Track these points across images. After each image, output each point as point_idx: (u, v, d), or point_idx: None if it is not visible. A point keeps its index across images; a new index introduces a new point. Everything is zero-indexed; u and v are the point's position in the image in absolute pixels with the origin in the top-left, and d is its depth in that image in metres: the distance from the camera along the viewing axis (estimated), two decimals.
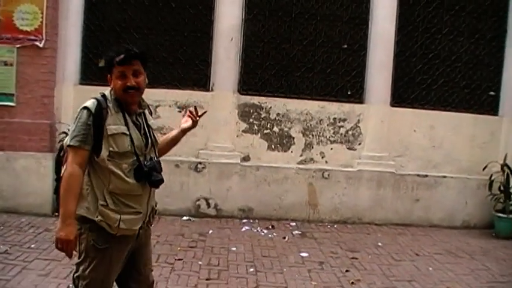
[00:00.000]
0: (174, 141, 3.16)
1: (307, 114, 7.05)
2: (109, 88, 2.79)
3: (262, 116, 7.00)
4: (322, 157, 7.11)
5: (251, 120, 6.95)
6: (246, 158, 6.96)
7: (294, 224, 6.94)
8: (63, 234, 2.62)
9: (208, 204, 6.80)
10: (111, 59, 2.73)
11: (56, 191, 2.79)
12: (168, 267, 5.10)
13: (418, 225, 7.27)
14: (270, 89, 7.03)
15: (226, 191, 6.77)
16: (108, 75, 2.77)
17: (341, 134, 7.14)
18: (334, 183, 7.04)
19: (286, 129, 7.03)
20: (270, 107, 6.99)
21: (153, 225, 3.12)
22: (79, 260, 2.81)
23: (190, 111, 3.16)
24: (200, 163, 6.76)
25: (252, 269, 5.24)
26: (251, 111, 6.95)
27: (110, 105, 2.72)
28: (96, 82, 6.71)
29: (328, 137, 7.12)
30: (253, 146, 6.98)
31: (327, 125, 7.10)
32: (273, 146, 7.04)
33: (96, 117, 2.64)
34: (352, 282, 5.08)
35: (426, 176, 7.25)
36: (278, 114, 7.01)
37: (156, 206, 3.03)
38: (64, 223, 2.62)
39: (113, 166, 2.68)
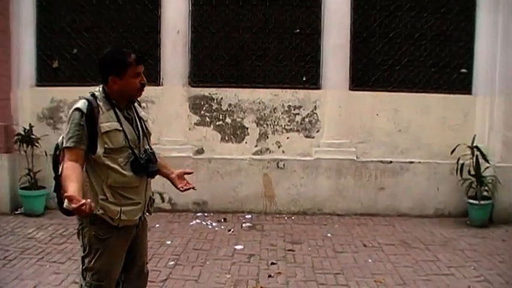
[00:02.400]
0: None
1: (260, 103, 6.88)
2: (96, 87, 2.90)
3: (214, 108, 6.90)
4: (279, 147, 6.92)
5: (203, 112, 6.87)
6: (199, 151, 6.90)
7: (249, 216, 6.79)
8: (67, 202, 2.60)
9: (163, 199, 6.80)
10: (123, 59, 2.82)
11: (56, 189, 2.91)
12: None
13: (385, 214, 6.90)
14: (221, 80, 6.92)
15: None
16: (112, 77, 2.82)
17: (297, 122, 6.91)
18: (290, 173, 6.83)
19: (239, 119, 6.90)
20: (221, 98, 6.89)
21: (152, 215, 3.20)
22: (84, 254, 2.94)
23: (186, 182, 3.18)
24: None
25: (172, 263, 5.17)
26: (202, 103, 6.88)
27: (101, 103, 2.81)
28: (51, 83, 6.98)
29: (283, 126, 6.91)
30: (207, 139, 6.90)
31: (282, 113, 6.90)
32: (226, 138, 6.93)
33: (88, 116, 2.74)
34: (270, 276, 4.90)
35: (390, 162, 6.87)
36: (230, 105, 6.89)
37: (152, 195, 3.15)
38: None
39: (109, 161, 2.79)
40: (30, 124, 6.67)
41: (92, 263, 2.91)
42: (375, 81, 6.94)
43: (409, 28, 6.91)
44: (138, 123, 2.97)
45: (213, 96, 6.88)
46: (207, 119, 6.89)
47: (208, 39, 6.89)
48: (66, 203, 2.75)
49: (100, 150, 2.77)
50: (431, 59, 6.95)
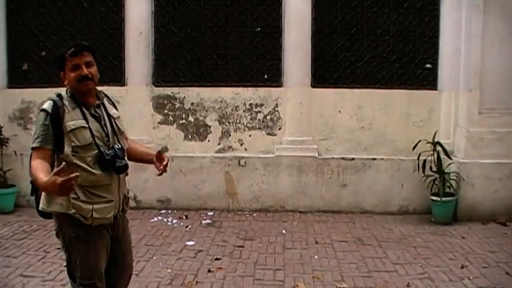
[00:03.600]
0: (142, 161, 3.26)
1: (221, 101, 6.95)
2: (64, 89, 2.96)
3: (177, 107, 7.00)
4: (241, 144, 6.97)
5: (166, 111, 6.97)
6: (163, 150, 6.99)
7: (211, 213, 6.86)
8: (53, 186, 2.52)
9: None
10: (62, 53, 2.88)
11: (32, 192, 2.99)
12: (41, 255, 5.36)
13: (348, 211, 6.87)
14: (184, 79, 7.01)
15: (143, 183, 6.85)
16: (62, 73, 2.91)
17: (259, 120, 6.95)
18: (251, 171, 6.87)
19: (201, 118, 6.97)
20: (184, 97, 6.97)
21: (127, 213, 3.22)
22: (67, 255, 3.00)
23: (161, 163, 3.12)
24: None
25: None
26: (165, 102, 6.98)
27: (66, 102, 2.86)
28: (22, 85, 7.19)
29: (245, 124, 6.96)
30: (170, 137, 7.00)
31: (243, 111, 6.94)
32: (189, 136, 7.01)
33: (53, 116, 2.79)
34: (209, 270, 4.97)
35: (353, 159, 6.84)
36: (192, 104, 6.98)
37: (128, 193, 3.18)
38: (45, 185, 2.59)
39: (77, 160, 2.82)
40: None
41: (78, 262, 2.94)
42: (337, 78, 6.92)
43: (371, 24, 6.87)
44: (107, 121, 2.98)
45: (176, 95, 6.98)
46: (171, 118, 6.99)
47: (171, 39, 6.98)
48: (42, 205, 2.89)
49: (68, 149, 2.80)
50: (395, 54, 6.89)
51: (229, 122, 6.96)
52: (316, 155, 6.84)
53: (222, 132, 6.98)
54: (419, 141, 6.52)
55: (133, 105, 6.91)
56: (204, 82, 6.98)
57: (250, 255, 5.41)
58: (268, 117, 6.94)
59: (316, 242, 5.83)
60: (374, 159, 6.83)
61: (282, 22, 6.87)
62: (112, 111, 3.08)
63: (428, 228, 6.38)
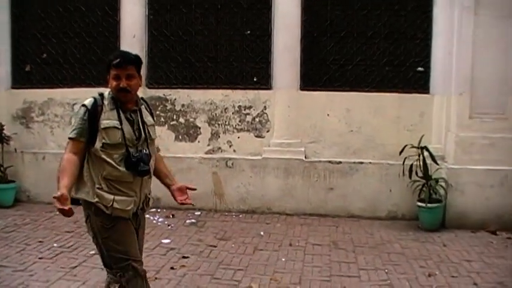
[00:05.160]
0: (159, 178, 3.48)
1: (211, 103, 7.05)
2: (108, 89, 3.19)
3: (168, 108, 7.15)
4: (230, 146, 7.04)
5: (158, 112, 7.11)
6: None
7: (198, 213, 6.97)
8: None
9: None
10: (109, 62, 3.15)
11: None
12: (21, 247, 5.60)
13: (335, 215, 6.82)
14: (175, 81, 7.16)
15: None
16: (107, 76, 3.17)
17: (247, 122, 7.00)
18: (238, 172, 6.93)
19: (191, 119, 7.10)
20: (175, 99, 7.12)
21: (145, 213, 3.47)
22: (98, 246, 3.22)
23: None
24: None
25: (92, 252, 5.39)
26: (157, 103, 7.14)
27: (106, 102, 3.12)
28: (26, 86, 7.53)
29: (234, 126, 7.03)
30: (161, 138, 7.10)
31: (232, 113, 7.02)
32: (180, 137, 7.15)
33: (91, 113, 3.06)
34: (172, 268, 5.07)
35: (340, 162, 6.78)
36: (183, 105, 7.11)
37: (149, 194, 3.36)
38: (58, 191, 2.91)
39: (105, 156, 3.07)
40: (1, 123, 7.23)
41: (109, 249, 3.15)
42: (326, 81, 6.89)
43: (361, 26, 6.80)
44: (141, 126, 3.20)
45: (167, 97, 7.14)
46: (162, 119, 7.14)
47: (164, 42, 7.14)
48: (72, 192, 3.07)
49: (98, 144, 3.05)
50: (386, 57, 6.80)
51: (218, 124, 7.05)
52: (303, 158, 6.83)
53: (211, 133, 7.08)
54: (406, 145, 6.39)
55: None
56: (194, 84, 7.11)
57: (218, 255, 5.47)
58: (257, 120, 6.99)
59: (290, 245, 5.82)
60: (361, 163, 6.75)
61: (271, 25, 6.91)
62: (147, 118, 3.29)
63: (413, 234, 6.25)
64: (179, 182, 3.50)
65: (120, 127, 3.08)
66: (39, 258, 5.30)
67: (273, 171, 6.86)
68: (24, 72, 7.51)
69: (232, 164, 6.94)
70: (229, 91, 7.00)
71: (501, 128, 6.36)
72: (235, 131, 7.03)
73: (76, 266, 5.07)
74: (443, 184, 6.42)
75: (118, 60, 3.10)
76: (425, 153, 6.37)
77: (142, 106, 3.29)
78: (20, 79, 7.55)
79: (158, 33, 7.16)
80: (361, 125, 6.82)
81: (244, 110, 7.00)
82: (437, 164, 6.37)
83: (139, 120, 3.21)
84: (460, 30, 6.39)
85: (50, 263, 5.18)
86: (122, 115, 3.12)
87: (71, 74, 7.33)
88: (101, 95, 3.16)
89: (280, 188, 6.87)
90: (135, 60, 3.19)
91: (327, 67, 6.88)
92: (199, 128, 7.10)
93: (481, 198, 6.35)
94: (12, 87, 7.56)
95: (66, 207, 2.83)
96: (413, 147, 6.34)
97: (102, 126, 3.05)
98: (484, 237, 6.16)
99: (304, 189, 6.83)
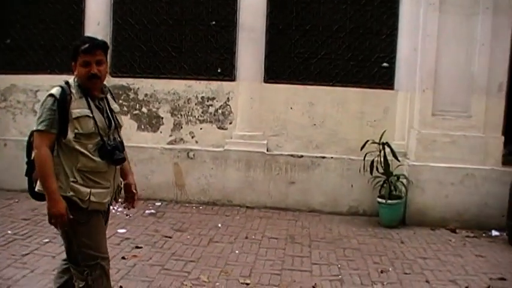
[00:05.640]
0: None
1: (174, 94, 6.98)
2: (72, 76, 3.09)
3: (131, 97, 7.07)
4: (192, 137, 6.98)
5: (121, 101, 7.01)
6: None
7: (159, 204, 6.90)
8: (55, 210, 2.92)
9: None
10: (76, 47, 3.02)
11: (28, 172, 3.14)
12: None
13: (296, 209, 6.78)
14: (139, 71, 7.07)
15: None
16: (73, 63, 3.04)
17: (210, 113, 6.94)
18: (199, 164, 6.87)
19: (154, 109, 7.02)
20: (138, 88, 7.04)
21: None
22: (67, 240, 3.10)
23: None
24: None
25: (46, 240, 5.36)
26: (120, 92, 7.04)
27: (74, 91, 2.99)
28: None
29: (197, 117, 6.96)
30: (124, 127, 6.97)
31: (195, 104, 6.96)
32: (142, 127, 7.07)
33: (61, 102, 2.92)
34: (123, 257, 5.00)
35: (301, 156, 6.74)
36: (146, 95, 7.03)
37: (121, 184, 3.32)
38: (53, 200, 2.92)
39: (79, 146, 2.96)
40: None
41: (80, 245, 3.04)
42: (290, 74, 6.84)
43: (327, 20, 6.76)
44: (109, 114, 3.13)
45: (131, 86, 7.06)
46: (125, 108, 7.05)
47: (128, 31, 7.06)
48: (38, 186, 3.01)
49: (70, 135, 2.94)
50: (350, 52, 6.76)
51: (181, 115, 6.99)
52: (265, 151, 6.78)
53: (174, 124, 7.01)
54: (367, 141, 6.36)
55: None
56: (158, 74, 7.03)
57: (172, 246, 5.41)
58: (220, 111, 6.93)
59: (246, 237, 5.77)
60: (324, 157, 6.71)
61: (236, 16, 6.85)
62: (113, 105, 3.22)
63: (372, 230, 6.23)
64: (131, 179, 3.41)
65: (91, 115, 2.98)
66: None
67: (235, 164, 6.81)
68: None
69: (193, 155, 6.88)
70: (192, 82, 6.93)
71: (463, 126, 6.35)
72: (197, 122, 6.97)
73: (27, 254, 4.99)
74: (404, 181, 6.39)
75: (87, 45, 2.98)
76: (387, 150, 6.32)
77: (108, 94, 3.22)
78: None
79: (123, 22, 7.07)
80: (324, 119, 6.78)
81: (207, 101, 6.93)
82: (398, 160, 6.35)
83: (107, 107, 3.13)
84: (425, 27, 6.36)
85: (2, 250, 5.08)
86: (91, 103, 3.02)
87: (35, 61, 7.22)
88: (67, 83, 3.03)
89: (241, 181, 6.82)
90: (103, 45, 3.09)
91: (291, 60, 6.83)
92: (162, 118, 7.03)
93: (441, 195, 6.35)
94: None
95: (61, 225, 2.90)
96: (374, 142, 6.29)
97: (73, 116, 2.93)
98: (443, 235, 6.16)
99: (265, 182, 6.78)
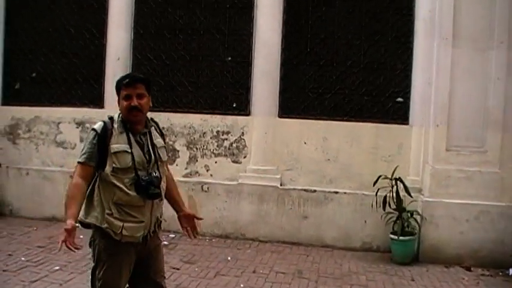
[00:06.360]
0: (169, 203, 3.53)
1: (190, 127, 7.11)
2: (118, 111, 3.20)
3: None
4: (207, 170, 7.07)
5: None
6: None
7: (173, 235, 6.96)
8: (65, 227, 2.96)
9: None
10: (118, 82, 3.18)
11: None
12: None
13: (309, 244, 6.75)
14: (157, 104, 7.17)
15: None
16: (118, 98, 3.17)
17: (225, 147, 7.03)
18: (213, 197, 6.94)
19: (170, 142, 7.13)
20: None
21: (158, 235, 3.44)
22: (94, 266, 3.21)
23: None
24: None
25: (56, 267, 5.51)
26: None
27: (115, 126, 3.11)
28: (14, 103, 7.71)
29: (212, 150, 7.06)
30: None
31: (211, 137, 7.07)
32: None
33: (101, 137, 3.07)
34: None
35: (314, 191, 6.74)
36: (163, 128, 6.90)
37: (160, 216, 3.34)
38: (66, 219, 2.97)
39: (115, 180, 3.05)
40: None
41: (100, 273, 3.13)
42: (304, 109, 6.90)
43: (341, 55, 6.82)
44: (150, 149, 3.18)
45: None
46: None
47: (147, 66, 7.26)
48: (80, 215, 3.09)
49: (108, 169, 3.04)
50: (365, 87, 6.78)
51: (196, 148, 7.10)
52: (278, 185, 6.81)
53: (189, 157, 7.12)
54: (380, 176, 6.32)
55: None
56: (175, 108, 7.19)
57: (178, 278, 5.47)
58: (234, 145, 7.01)
59: (254, 271, 5.78)
60: (337, 192, 6.69)
61: (252, 52, 6.98)
62: (157, 139, 3.28)
63: (383, 267, 6.14)
64: (187, 210, 3.55)
65: (130, 151, 3.05)
66: (3, 270, 5.40)
67: (248, 197, 6.85)
68: (13, 89, 7.69)
69: (208, 188, 6.96)
70: (208, 116, 7.06)
71: (478, 161, 6.25)
72: (212, 155, 7.07)
73: (36, 280, 5.15)
74: (417, 217, 6.31)
75: (128, 79, 3.13)
76: (400, 185, 6.27)
77: (152, 128, 3.29)
78: (10, 96, 7.73)
79: (142, 57, 7.29)
80: (338, 154, 6.78)
81: (222, 135, 7.04)
82: (411, 196, 6.27)
83: (149, 142, 3.19)
84: (439, 61, 6.35)
85: (13, 276, 5.27)
86: (131, 138, 3.10)
87: (58, 93, 7.51)
88: (111, 118, 3.14)
89: (254, 214, 6.84)
90: (145, 79, 3.23)
91: (305, 95, 6.89)
92: (178, 151, 7.15)
93: (456, 232, 6.23)
94: (2, 104, 7.75)
95: (70, 239, 2.88)
96: (386, 178, 6.25)
97: (112, 151, 3.04)
98: (457, 273, 6.03)
99: (278, 216, 6.79)
